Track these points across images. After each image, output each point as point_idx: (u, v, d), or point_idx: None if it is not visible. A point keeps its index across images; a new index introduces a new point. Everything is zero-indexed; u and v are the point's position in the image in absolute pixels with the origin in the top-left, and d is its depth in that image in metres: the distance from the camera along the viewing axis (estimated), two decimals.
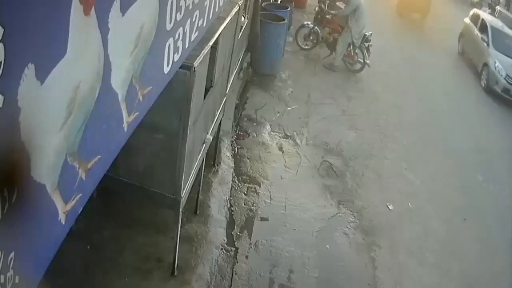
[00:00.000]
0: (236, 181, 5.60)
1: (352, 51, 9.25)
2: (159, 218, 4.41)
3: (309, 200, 5.60)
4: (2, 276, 1.27)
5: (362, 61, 9.18)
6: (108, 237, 4.15)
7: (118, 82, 1.85)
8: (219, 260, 4.41)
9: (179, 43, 2.53)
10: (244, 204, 5.28)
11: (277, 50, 8.47)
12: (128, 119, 2.04)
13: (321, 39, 9.63)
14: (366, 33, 9.05)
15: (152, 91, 2.28)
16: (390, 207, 5.83)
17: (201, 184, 4.69)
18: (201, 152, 4.15)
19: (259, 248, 4.72)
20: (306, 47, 9.78)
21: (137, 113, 2.13)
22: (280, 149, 6.51)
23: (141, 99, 2.13)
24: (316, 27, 9.61)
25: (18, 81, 1.19)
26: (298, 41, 9.82)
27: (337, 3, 9.80)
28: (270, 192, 5.57)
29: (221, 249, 4.54)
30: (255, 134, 6.68)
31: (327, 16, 9.61)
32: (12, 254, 1.31)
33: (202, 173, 4.62)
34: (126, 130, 2.05)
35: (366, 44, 9.07)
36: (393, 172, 6.61)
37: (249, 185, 5.60)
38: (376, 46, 9.48)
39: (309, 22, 9.85)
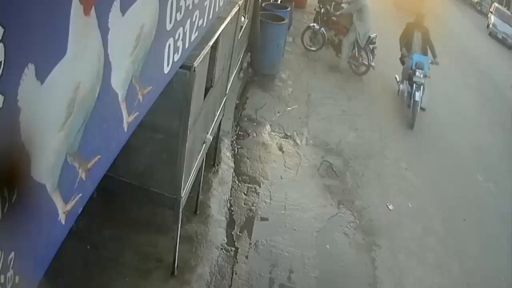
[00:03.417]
0: (236, 181, 5.60)
1: (357, 53, 9.21)
2: (159, 218, 4.41)
3: (309, 200, 5.60)
4: (2, 276, 1.27)
5: (367, 63, 9.12)
6: (108, 237, 4.15)
7: (118, 82, 1.85)
8: (219, 260, 4.41)
9: (179, 43, 2.53)
10: (244, 204, 5.28)
11: (277, 50, 8.47)
12: (128, 119, 2.04)
13: (327, 40, 9.62)
14: (371, 35, 8.98)
15: (152, 91, 2.28)
16: (390, 207, 5.83)
17: (201, 184, 4.69)
18: (201, 152, 4.15)
19: (259, 248, 4.72)
20: (312, 48, 9.78)
21: (137, 113, 2.13)
22: (280, 149, 6.52)
23: (141, 99, 2.13)
24: (322, 29, 9.60)
25: (18, 81, 1.19)
26: (305, 42, 9.81)
27: (342, 5, 9.81)
28: (270, 192, 5.57)
29: (221, 249, 4.54)
30: (255, 134, 6.68)
31: (333, 18, 9.60)
32: (12, 254, 1.31)
33: (202, 173, 4.62)
34: (126, 130, 2.05)
35: (371, 46, 9.00)
36: (393, 172, 6.61)
37: (249, 185, 5.60)
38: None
39: (315, 24, 9.84)
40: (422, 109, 7.84)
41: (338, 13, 9.53)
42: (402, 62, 8.63)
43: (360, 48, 9.14)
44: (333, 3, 9.87)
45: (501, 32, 15.82)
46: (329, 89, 8.60)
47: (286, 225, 5.12)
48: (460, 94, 9.86)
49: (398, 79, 8.71)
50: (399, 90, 8.56)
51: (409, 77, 8.10)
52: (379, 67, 9.14)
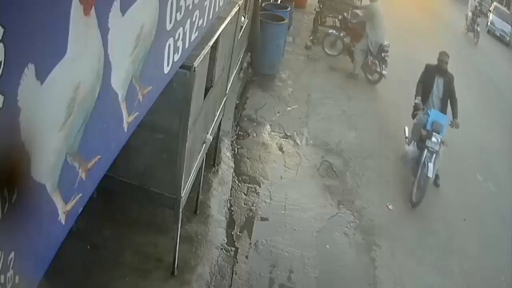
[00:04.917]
0: (236, 181, 5.60)
1: (370, 61, 9.16)
2: (159, 218, 4.41)
3: (309, 200, 5.60)
4: (2, 276, 1.27)
5: (379, 71, 9.00)
6: (108, 237, 4.15)
7: (118, 82, 1.85)
8: (219, 260, 4.41)
9: (179, 43, 2.53)
10: (244, 204, 5.28)
11: (277, 50, 8.48)
12: (128, 119, 2.04)
13: (345, 46, 9.64)
14: (383, 43, 8.86)
15: (152, 91, 2.28)
16: (390, 207, 5.83)
17: (201, 184, 4.69)
18: (201, 152, 4.15)
19: (259, 248, 4.72)
20: (333, 53, 9.81)
21: (137, 113, 2.13)
22: (280, 149, 6.52)
23: (141, 99, 2.13)
24: (341, 34, 9.64)
25: (18, 81, 1.19)
26: (325, 48, 9.86)
27: (357, 11, 9.85)
28: (270, 192, 5.57)
29: (221, 249, 4.54)
30: (255, 134, 6.68)
31: (349, 24, 9.63)
32: (12, 254, 1.31)
33: (202, 173, 4.62)
34: (126, 130, 2.05)
35: (383, 54, 8.86)
36: (393, 172, 6.61)
37: (249, 185, 5.61)
38: None
39: (334, 30, 9.87)
40: (436, 184, 6.30)
41: (354, 21, 9.60)
42: (413, 116, 6.57)
43: (372, 55, 9.09)
44: (350, 10, 9.90)
45: (499, 29, 16.15)
46: (329, 89, 8.60)
47: (286, 225, 5.12)
48: (461, 94, 9.85)
49: (406, 133, 6.74)
50: (404, 153, 6.50)
51: (420, 138, 6.16)
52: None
